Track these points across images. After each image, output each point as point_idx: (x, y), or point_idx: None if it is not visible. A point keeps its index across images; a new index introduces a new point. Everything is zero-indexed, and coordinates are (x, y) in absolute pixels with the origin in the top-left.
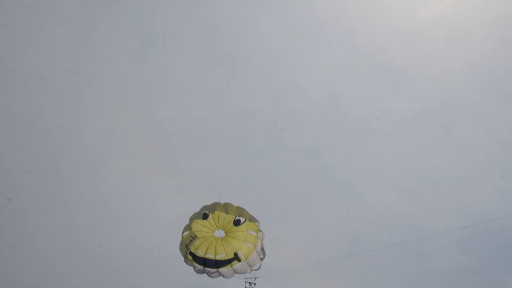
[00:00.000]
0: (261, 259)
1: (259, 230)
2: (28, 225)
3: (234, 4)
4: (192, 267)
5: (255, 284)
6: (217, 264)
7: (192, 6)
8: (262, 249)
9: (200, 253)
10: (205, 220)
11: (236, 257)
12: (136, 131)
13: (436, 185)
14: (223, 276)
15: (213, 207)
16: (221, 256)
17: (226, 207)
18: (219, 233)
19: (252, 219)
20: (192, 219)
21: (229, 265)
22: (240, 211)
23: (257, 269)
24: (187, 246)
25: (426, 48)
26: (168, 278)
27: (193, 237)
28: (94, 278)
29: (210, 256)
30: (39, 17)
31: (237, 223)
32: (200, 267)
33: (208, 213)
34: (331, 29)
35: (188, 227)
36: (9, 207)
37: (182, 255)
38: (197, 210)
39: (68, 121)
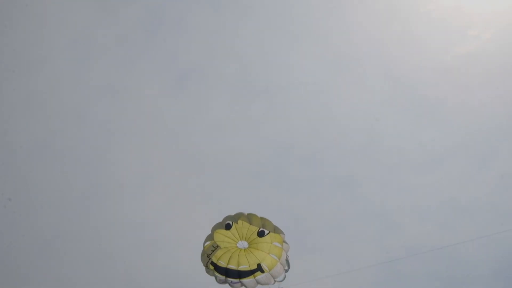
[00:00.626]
0: (286, 271)
1: (284, 241)
2: (58, 253)
3: (271, 39)
4: (214, 277)
5: None
6: (240, 274)
7: (229, 41)
8: (287, 260)
9: (222, 263)
10: (228, 231)
11: (260, 269)
12: (172, 162)
13: (474, 216)
14: (246, 287)
15: (236, 217)
16: (244, 267)
17: (249, 218)
18: (242, 244)
19: (276, 230)
20: (214, 229)
21: (252, 276)
22: (264, 222)
23: (281, 281)
24: (208, 256)
25: (463, 81)
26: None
27: (215, 247)
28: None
29: (232, 266)
30: (78, 51)
31: (261, 234)
32: (222, 277)
33: (231, 223)
34: (368, 63)
35: (210, 237)
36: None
37: (203, 265)
38: (220, 220)
39: (104, 152)
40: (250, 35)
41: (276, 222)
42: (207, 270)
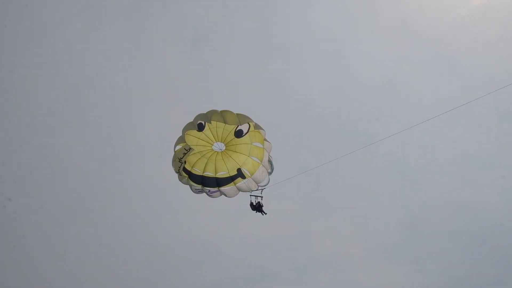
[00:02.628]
0: (269, 173)
1: (265, 140)
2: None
3: None
4: (188, 186)
5: (262, 197)
6: (218, 182)
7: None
8: (270, 161)
9: (197, 170)
10: (201, 132)
11: (240, 174)
12: None
13: (495, 170)
14: (226, 195)
15: (209, 115)
16: (222, 174)
17: (224, 115)
18: (218, 146)
19: (256, 127)
20: (185, 130)
21: (232, 183)
22: (242, 118)
23: (265, 185)
24: (180, 160)
25: (480, 34)
26: (226, 267)
27: (188, 150)
28: (152, 272)
29: (209, 173)
30: (94, 14)
31: (239, 134)
32: (198, 186)
33: (204, 123)
34: (385, 17)
35: (181, 140)
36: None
37: (175, 171)
38: (191, 120)
39: (122, 117)
40: None
41: (294, 183)
42: (180, 178)
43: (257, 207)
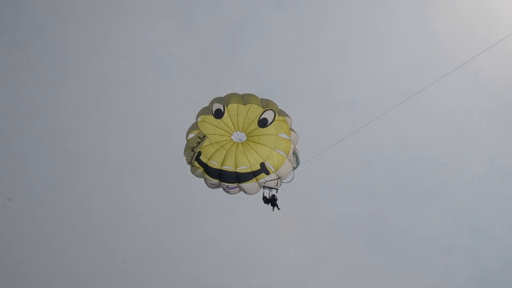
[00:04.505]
0: (294, 168)
1: (291, 129)
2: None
3: (353, 51)
4: (202, 178)
5: (277, 190)
6: (238, 177)
7: (312, 55)
8: (295, 154)
9: (215, 164)
10: (219, 120)
11: (264, 169)
12: None
13: None
14: (245, 192)
15: (228, 99)
16: (243, 168)
17: (246, 99)
18: (238, 135)
19: (281, 113)
20: (199, 115)
21: (253, 179)
22: (265, 102)
23: (289, 182)
24: (193, 149)
25: None
26: None
27: (202, 138)
28: None
29: (228, 168)
30: (161, 69)
31: (263, 123)
32: (215, 181)
33: (222, 109)
34: (453, 68)
35: (194, 127)
36: None
37: (187, 161)
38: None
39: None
40: (332, 46)
41: (364, 236)
42: (193, 169)
43: (271, 200)
